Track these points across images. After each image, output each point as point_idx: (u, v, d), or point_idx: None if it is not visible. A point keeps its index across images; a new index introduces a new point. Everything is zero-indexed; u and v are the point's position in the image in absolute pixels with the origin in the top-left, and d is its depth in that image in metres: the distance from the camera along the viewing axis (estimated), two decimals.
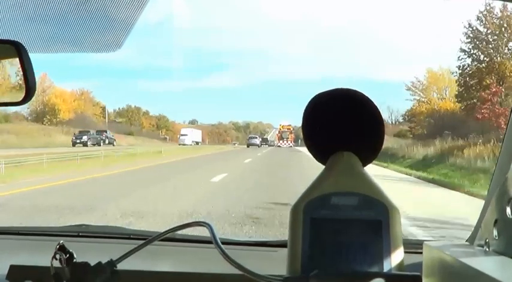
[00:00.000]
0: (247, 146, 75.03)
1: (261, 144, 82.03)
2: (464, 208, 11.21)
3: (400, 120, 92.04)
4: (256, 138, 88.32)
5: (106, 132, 61.76)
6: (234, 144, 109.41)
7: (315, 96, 1.25)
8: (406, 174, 23.92)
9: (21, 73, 1.42)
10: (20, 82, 1.46)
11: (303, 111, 1.25)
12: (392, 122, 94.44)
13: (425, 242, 1.43)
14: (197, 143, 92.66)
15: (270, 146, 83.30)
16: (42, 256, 1.31)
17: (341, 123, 1.21)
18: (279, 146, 73.50)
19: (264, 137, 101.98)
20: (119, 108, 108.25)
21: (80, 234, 2.29)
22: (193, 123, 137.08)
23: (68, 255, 1.21)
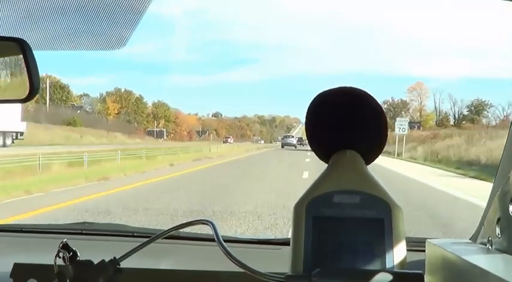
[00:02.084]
0: (282, 146, 62.67)
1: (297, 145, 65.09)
2: None
3: (465, 112, 78.10)
4: (292, 137, 73.17)
5: None
6: (227, 141, 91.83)
7: (318, 95, 1.25)
8: None
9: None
10: None
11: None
12: (455, 115, 79.72)
13: (428, 240, 1.43)
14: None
15: (303, 145, 65.74)
16: (45, 254, 1.31)
17: (344, 122, 1.21)
18: None
19: (300, 136, 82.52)
20: (106, 92, 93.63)
21: (83, 231, 2.30)
22: (216, 116, 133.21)
23: (71, 254, 1.21)
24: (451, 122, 79.80)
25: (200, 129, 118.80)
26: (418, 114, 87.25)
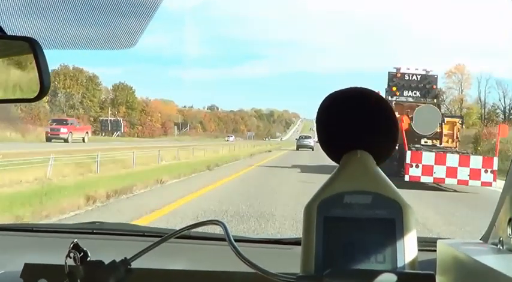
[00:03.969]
0: (297, 149, 54.70)
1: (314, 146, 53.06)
2: None
3: None
4: (310, 138, 61.11)
5: None
6: (57, 132, 40.82)
7: (329, 95, 1.25)
8: None
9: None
10: None
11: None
12: (506, 108, 60.69)
13: (439, 240, 1.43)
14: None
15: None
16: (56, 254, 1.32)
17: (355, 122, 1.21)
18: None
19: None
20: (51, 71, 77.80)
21: (94, 231, 2.31)
22: (212, 109, 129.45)
23: (82, 254, 1.21)
24: (500, 117, 59.69)
25: (180, 122, 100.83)
26: (457, 106, 66.27)
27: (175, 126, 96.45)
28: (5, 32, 1.55)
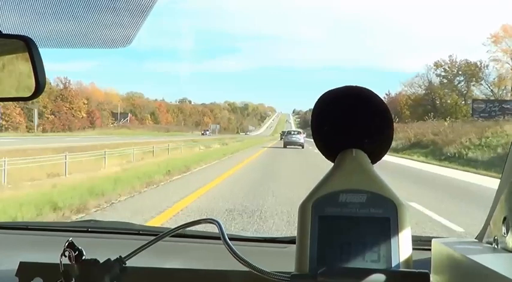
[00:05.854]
0: (284, 146, 47.03)
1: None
2: None
3: None
4: (299, 133, 52.26)
5: None
6: None
7: (324, 94, 1.25)
8: None
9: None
10: None
11: (312, 108, 1.25)
12: None
13: (434, 239, 1.43)
14: None
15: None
16: (51, 252, 1.32)
17: (350, 121, 1.22)
18: None
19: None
20: None
21: (89, 229, 2.30)
22: (183, 101, 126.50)
23: (77, 252, 1.21)
24: None
25: (119, 111, 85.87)
26: (511, 86, 48.78)
27: (114, 117, 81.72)
28: (0, 31, 1.55)
